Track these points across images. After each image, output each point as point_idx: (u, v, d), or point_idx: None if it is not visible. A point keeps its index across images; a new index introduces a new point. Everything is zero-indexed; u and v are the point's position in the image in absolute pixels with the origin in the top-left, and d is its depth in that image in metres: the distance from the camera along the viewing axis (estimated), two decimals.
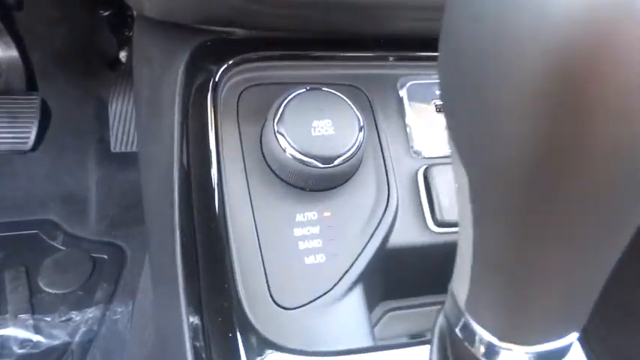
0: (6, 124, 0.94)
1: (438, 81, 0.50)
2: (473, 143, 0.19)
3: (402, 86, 0.49)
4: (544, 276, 0.20)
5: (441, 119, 0.49)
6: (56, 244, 1.06)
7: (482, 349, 0.24)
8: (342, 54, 0.48)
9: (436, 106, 0.49)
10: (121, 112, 1.10)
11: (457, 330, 0.25)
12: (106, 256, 1.05)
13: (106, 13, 1.17)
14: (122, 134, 1.07)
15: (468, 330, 0.25)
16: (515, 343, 0.23)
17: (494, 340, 0.23)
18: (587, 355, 0.37)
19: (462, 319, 0.25)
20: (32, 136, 0.95)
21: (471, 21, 0.18)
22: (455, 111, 0.20)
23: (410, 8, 0.44)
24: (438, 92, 0.50)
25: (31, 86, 1.01)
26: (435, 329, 0.27)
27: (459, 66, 0.19)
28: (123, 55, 1.25)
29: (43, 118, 0.96)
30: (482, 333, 0.24)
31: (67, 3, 1.16)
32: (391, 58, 0.50)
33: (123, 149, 1.07)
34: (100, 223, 1.09)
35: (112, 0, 1.11)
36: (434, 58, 0.51)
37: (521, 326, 0.23)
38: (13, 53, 1.01)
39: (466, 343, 0.25)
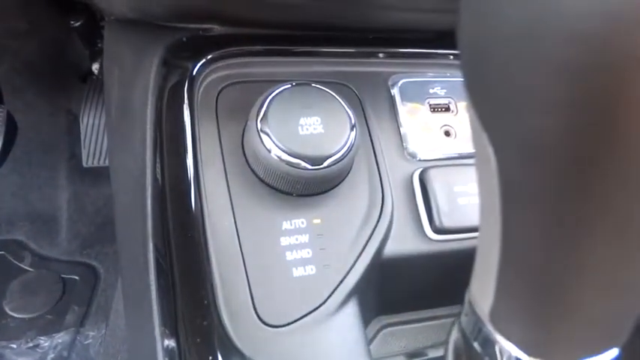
0: None
1: (431, 79, 0.47)
2: (503, 105, 0.16)
3: (393, 84, 0.46)
4: (589, 278, 0.17)
5: (436, 119, 0.46)
6: (24, 266, 1.00)
7: None
8: (329, 50, 0.45)
9: (430, 105, 0.46)
10: (92, 125, 1.05)
11: (476, 344, 0.22)
12: (77, 277, 0.98)
13: (77, 24, 1.13)
14: (94, 148, 1.02)
15: (489, 343, 0.21)
16: (546, 359, 0.19)
17: (522, 356, 0.20)
18: None
19: (483, 331, 0.21)
20: None
21: None
22: (480, 71, 0.17)
23: None
24: (431, 91, 0.47)
25: None
26: (449, 344, 0.23)
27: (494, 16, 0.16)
28: (95, 68, 1.20)
29: (9, 132, 0.91)
30: (507, 347, 0.20)
31: (35, 14, 1.12)
32: (381, 55, 0.47)
33: (95, 163, 1.02)
34: (72, 243, 1.03)
35: (82, 9, 1.07)
36: (426, 55, 0.48)
37: (556, 340, 0.19)
38: None
39: (487, 359, 0.21)
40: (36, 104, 1.13)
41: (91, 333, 0.91)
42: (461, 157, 0.44)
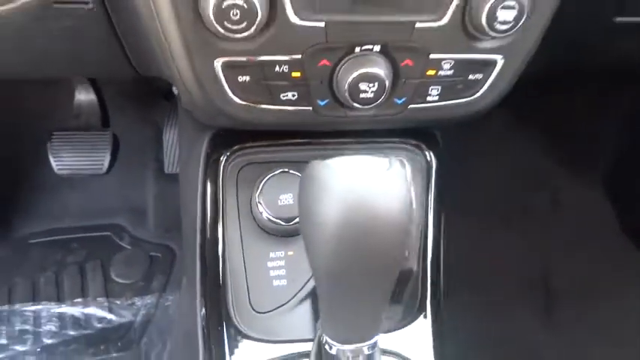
0: (86, 155, 1.24)
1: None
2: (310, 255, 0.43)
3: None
4: (341, 317, 0.43)
5: None
6: (123, 244, 1.36)
7: (332, 350, 0.47)
8: (307, 141, 0.71)
9: None
10: (172, 140, 1.37)
11: (323, 339, 0.49)
12: (160, 255, 1.33)
13: None
14: (173, 159, 1.34)
15: (326, 342, 0.48)
16: (342, 344, 0.46)
17: (334, 344, 0.47)
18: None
19: (323, 337, 0.48)
20: (106, 163, 1.24)
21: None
22: (304, 234, 0.43)
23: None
24: None
25: (105, 123, 1.29)
26: (315, 340, 0.50)
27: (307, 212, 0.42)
28: (175, 89, 1.51)
29: (114, 149, 1.25)
30: (330, 341, 0.47)
31: None
32: (343, 143, 0.72)
33: (173, 171, 1.35)
34: (157, 229, 1.38)
35: None
36: (374, 143, 0.73)
37: (341, 336, 0.46)
38: (92, 97, 1.30)
39: (326, 346, 0.48)
40: (132, 119, 1.47)
41: (170, 297, 1.25)
42: None
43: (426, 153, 0.72)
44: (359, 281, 0.40)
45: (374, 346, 0.47)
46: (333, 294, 0.42)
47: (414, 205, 0.40)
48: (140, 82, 0.95)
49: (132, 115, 1.41)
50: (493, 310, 1.29)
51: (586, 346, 1.25)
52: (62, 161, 1.26)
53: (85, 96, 1.30)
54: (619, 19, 0.76)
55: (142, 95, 1.41)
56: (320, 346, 0.49)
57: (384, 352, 0.55)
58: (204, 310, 0.62)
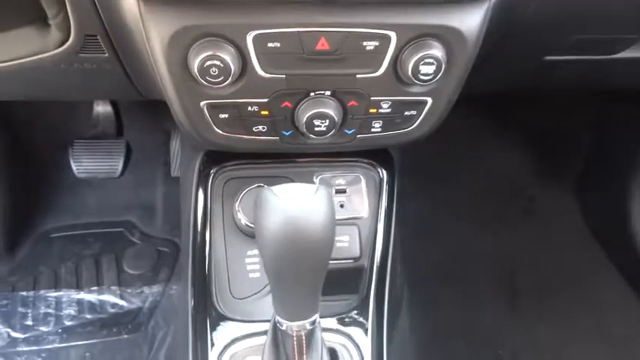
0: (102, 160, 1.41)
1: (338, 175, 0.87)
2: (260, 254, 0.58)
3: (316, 177, 0.87)
4: (286, 299, 0.59)
5: (336, 198, 0.86)
6: (134, 239, 1.53)
7: (283, 327, 0.63)
8: (281, 160, 0.86)
9: (335, 190, 0.86)
10: (178, 147, 1.54)
11: (276, 318, 0.64)
12: (167, 249, 1.50)
13: None
14: (178, 164, 1.51)
15: (278, 321, 0.63)
16: (290, 321, 0.62)
17: (283, 322, 0.62)
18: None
19: (277, 318, 0.63)
20: (120, 167, 1.41)
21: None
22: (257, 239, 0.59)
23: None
24: (336, 181, 0.87)
25: (120, 132, 1.46)
26: (271, 319, 0.66)
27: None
28: None
29: (127, 155, 1.42)
30: (281, 320, 0.63)
31: None
32: (311, 161, 0.87)
33: (179, 175, 1.51)
34: (164, 226, 1.55)
35: None
36: (335, 162, 0.88)
37: (287, 315, 0.61)
38: (108, 109, 1.47)
39: (278, 324, 0.64)
40: (143, 128, 1.63)
41: (174, 286, 1.42)
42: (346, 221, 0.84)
43: (378, 169, 0.87)
44: (294, 274, 0.55)
45: (314, 322, 0.62)
46: (277, 283, 0.58)
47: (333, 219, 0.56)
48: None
49: (143, 124, 1.58)
50: (461, 303, 1.44)
51: (544, 332, 1.40)
52: (81, 165, 1.43)
53: (102, 108, 1.47)
54: (548, 57, 0.90)
55: (152, 107, 1.57)
56: (275, 324, 0.64)
57: (325, 329, 0.70)
58: (192, 295, 0.79)
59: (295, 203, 0.53)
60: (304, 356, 0.63)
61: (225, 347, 0.76)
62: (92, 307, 1.37)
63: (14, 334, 1.30)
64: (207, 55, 0.62)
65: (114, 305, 1.37)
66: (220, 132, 0.73)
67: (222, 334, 0.77)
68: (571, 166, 1.74)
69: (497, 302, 1.48)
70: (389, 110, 0.73)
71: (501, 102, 1.71)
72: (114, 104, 1.47)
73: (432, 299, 1.39)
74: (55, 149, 1.53)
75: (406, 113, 0.74)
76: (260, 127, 0.73)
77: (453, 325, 1.39)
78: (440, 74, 0.67)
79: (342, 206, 0.86)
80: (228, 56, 0.62)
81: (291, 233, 0.53)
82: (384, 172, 0.88)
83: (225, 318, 0.78)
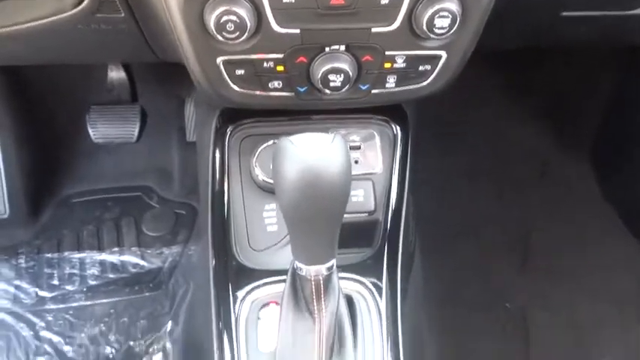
0: (118, 126, 1.43)
1: (351, 130, 0.89)
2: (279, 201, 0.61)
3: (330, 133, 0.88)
4: (302, 245, 0.62)
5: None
6: (152, 203, 1.57)
7: (301, 272, 0.66)
8: (296, 117, 0.88)
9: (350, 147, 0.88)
10: (192, 112, 1.55)
11: (295, 263, 0.67)
12: (184, 212, 1.54)
13: None
14: (193, 129, 1.53)
15: (296, 266, 0.66)
16: (307, 265, 0.65)
17: (303, 266, 0.65)
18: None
19: (295, 263, 0.66)
20: (136, 133, 1.43)
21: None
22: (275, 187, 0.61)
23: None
24: (350, 137, 0.88)
25: (134, 98, 1.48)
26: (290, 264, 0.69)
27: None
28: None
29: (143, 120, 1.44)
30: (299, 265, 0.66)
31: None
32: (326, 118, 0.88)
33: (194, 139, 1.54)
34: (181, 190, 1.58)
35: None
36: (349, 118, 0.89)
37: (306, 260, 0.64)
38: (122, 74, 1.49)
39: (297, 269, 0.67)
40: (156, 91, 1.65)
41: (193, 247, 1.46)
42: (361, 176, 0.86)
43: (392, 126, 0.89)
44: (313, 218, 0.58)
45: (331, 267, 0.65)
46: (296, 228, 0.61)
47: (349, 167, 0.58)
48: (164, 63, 1.13)
49: (157, 90, 1.60)
50: (473, 262, 1.47)
51: (553, 290, 1.43)
52: (98, 131, 1.46)
53: (116, 74, 1.48)
54: (565, 13, 0.90)
55: (166, 73, 1.58)
56: (293, 270, 0.67)
57: (341, 277, 0.73)
58: (213, 246, 0.82)
59: (313, 151, 0.55)
60: (322, 300, 0.66)
61: (246, 295, 0.79)
62: (114, 267, 1.42)
63: (42, 293, 1.35)
64: (223, 10, 0.63)
65: (135, 265, 1.42)
66: (236, 88, 0.74)
67: (243, 282, 0.80)
68: (588, 131, 1.73)
69: (509, 262, 1.50)
70: (403, 65, 0.73)
71: (519, 66, 1.70)
72: (127, 70, 1.49)
73: (444, 257, 1.42)
74: (71, 116, 1.56)
75: (421, 68, 0.75)
76: (275, 83, 0.74)
77: (464, 283, 1.43)
78: (455, 28, 0.67)
79: (356, 162, 0.87)
80: (243, 11, 0.63)
81: (309, 180, 0.55)
82: (398, 128, 0.89)
83: (244, 268, 0.81)
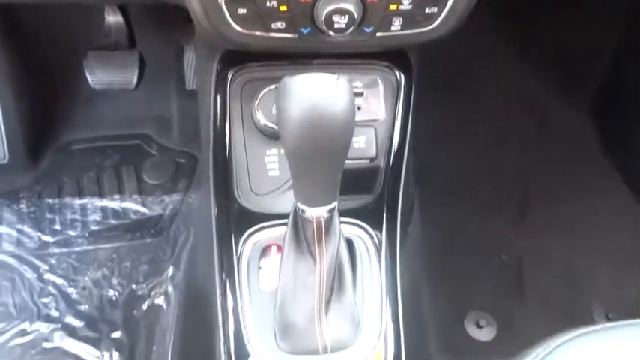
0: (116, 72, 1.41)
1: (354, 76, 0.87)
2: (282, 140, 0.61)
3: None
4: (304, 186, 0.62)
5: None
6: (152, 151, 1.57)
7: (304, 214, 0.66)
8: (299, 61, 0.86)
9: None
10: (192, 59, 1.53)
11: (297, 205, 0.68)
12: (184, 161, 1.54)
13: None
14: (193, 76, 1.51)
15: (298, 208, 0.67)
16: (309, 207, 0.65)
17: (305, 208, 0.66)
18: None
19: (297, 205, 0.67)
20: (134, 80, 1.41)
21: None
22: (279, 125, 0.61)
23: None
24: (353, 84, 0.87)
25: (132, 44, 1.45)
26: (292, 206, 0.70)
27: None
28: None
29: (141, 67, 1.42)
30: (301, 206, 0.66)
31: None
32: (328, 63, 0.87)
33: (194, 87, 1.52)
34: (180, 138, 1.58)
35: None
36: (352, 64, 0.88)
37: (307, 201, 0.65)
38: (119, 18, 1.45)
39: (299, 211, 0.67)
40: (155, 37, 1.62)
41: (193, 195, 1.47)
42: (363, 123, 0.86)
43: (396, 72, 0.88)
44: (315, 158, 0.58)
45: (332, 210, 0.66)
46: (298, 168, 0.61)
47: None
48: (162, 7, 1.11)
49: (156, 36, 1.56)
50: (471, 214, 1.48)
51: (549, 241, 1.46)
52: (96, 76, 1.43)
53: (113, 18, 1.44)
54: None
55: (164, 18, 1.55)
56: (295, 212, 0.68)
57: (342, 222, 0.74)
58: (214, 190, 0.82)
59: (317, 90, 0.55)
60: (323, 242, 0.67)
61: (248, 237, 0.80)
62: (116, 213, 1.43)
63: (45, 238, 1.37)
64: None
65: (136, 212, 1.44)
66: (238, 29, 0.73)
67: (244, 225, 0.81)
68: (589, 84, 1.71)
69: (506, 213, 1.52)
70: (410, 7, 0.72)
71: (523, 17, 1.67)
72: (125, 14, 1.45)
73: (442, 209, 1.43)
74: (68, 61, 1.53)
75: (427, 11, 0.73)
76: (278, 23, 0.72)
77: (462, 234, 1.45)
78: None
79: (359, 109, 0.87)
80: None
81: (313, 118, 0.55)
82: (402, 75, 0.88)
83: (246, 211, 0.82)
